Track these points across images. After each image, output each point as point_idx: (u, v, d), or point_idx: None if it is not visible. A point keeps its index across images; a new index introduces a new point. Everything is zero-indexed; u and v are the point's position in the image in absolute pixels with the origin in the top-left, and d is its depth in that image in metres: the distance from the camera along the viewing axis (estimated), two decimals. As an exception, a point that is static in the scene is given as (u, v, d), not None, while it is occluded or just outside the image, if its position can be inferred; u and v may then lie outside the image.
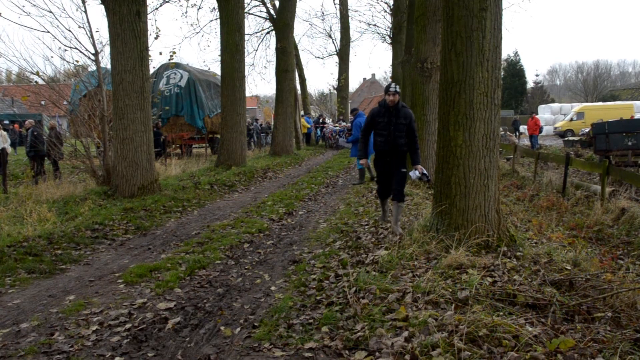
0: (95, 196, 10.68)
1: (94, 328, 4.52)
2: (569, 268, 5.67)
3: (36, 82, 12.92)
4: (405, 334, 4.07)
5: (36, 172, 14.81)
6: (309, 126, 32.92)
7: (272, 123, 35.89)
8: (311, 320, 4.56)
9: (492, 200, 6.44)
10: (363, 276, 5.43)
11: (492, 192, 6.43)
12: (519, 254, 6.15)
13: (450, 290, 4.96)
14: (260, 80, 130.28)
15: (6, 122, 36.43)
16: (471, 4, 6.16)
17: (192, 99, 24.01)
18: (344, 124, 33.39)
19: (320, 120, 37.55)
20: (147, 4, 11.11)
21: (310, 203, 11.20)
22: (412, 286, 4.98)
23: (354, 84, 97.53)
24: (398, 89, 7.45)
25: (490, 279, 5.28)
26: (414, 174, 7.59)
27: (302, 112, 32.09)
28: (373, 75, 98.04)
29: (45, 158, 15.89)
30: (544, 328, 4.13)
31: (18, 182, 14.77)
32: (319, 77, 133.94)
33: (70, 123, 20.89)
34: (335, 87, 41.81)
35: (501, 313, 4.41)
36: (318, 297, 5.13)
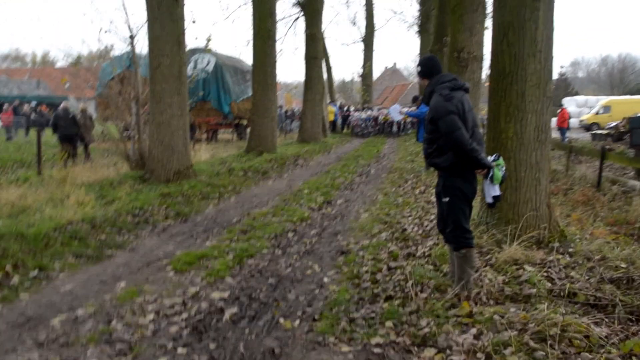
0: (131, 180, 10.64)
1: (151, 317, 4.45)
2: (623, 266, 5.49)
3: (75, 64, 12.90)
4: (473, 331, 3.99)
5: (69, 154, 14.76)
6: (334, 111, 32.73)
7: (293, 109, 35.90)
8: (373, 315, 4.44)
9: (543, 194, 6.30)
10: (418, 270, 5.31)
11: (543, 186, 6.30)
12: (570, 250, 6.01)
13: (511, 286, 4.85)
14: (288, 67, 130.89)
15: (33, 103, 36.63)
16: None
17: (218, 84, 24.01)
18: (370, 112, 33.19)
19: (345, 109, 37.42)
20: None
21: (347, 192, 11.05)
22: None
23: (375, 73, 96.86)
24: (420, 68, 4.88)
25: (547, 276, 5.17)
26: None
27: (328, 100, 31.94)
28: (395, 64, 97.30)
29: (74, 140, 15.79)
30: (612, 328, 4.01)
31: (51, 164, 14.77)
32: (341, 64, 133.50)
33: (99, 106, 20.95)
34: (360, 74, 41.66)
35: (563, 311, 4.26)
36: (375, 290, 5.00)
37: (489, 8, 14.17)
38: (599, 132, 29.23)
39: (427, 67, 4.77)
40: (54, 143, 20.40)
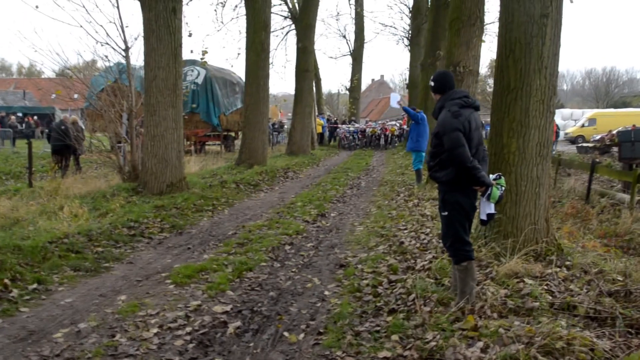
0: (124, 192, 10.58)
1: (155, 331, 4.42)
2: (620, 279, 5.56)
3: (70, 76, 12.79)
4: (480, 344, 3.99)
5: (59, 166, 14.65)
6: (323, 123, 32.85)
7: (281, 121, 35.94)
8: (378, 328, 4.45)
9: (542, 208, 6.34)
10: (420, 283, 5.33)
11: (543, 201, 6.34)
12: (568, 263, 6.05)
13: (513, 300, 4.88)
14: (275, 79, 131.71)
15: (19, 114, 36.36)
16: (532, 10, 6.04)
17: (208, 96, 24.00)
18: (357, 125, 33.35)
19: (333, 121, 37.57)
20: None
21: (340, 205, 11.08)
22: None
23: (362, 85, 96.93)
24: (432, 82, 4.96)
25: (547, 289, 5.21)
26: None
27: (316, 113, 32.06)
28: (382, 76, 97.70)
29: (66, 152, 15.68)
30: (614, 341, 4.02)
31: (40, 176, 14.66)
32: (328, 77, 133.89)
33: (88, 117, 20.83)
34: (348, 87, 41.80)
35: (564, 324, 4.30)
36: (377, 304, 5.02)
37: (486, 22, 14.33)
38: (585, 145, 29.55)
39: (441, 82, 4.85)
40: (41, 154, 20.27)
